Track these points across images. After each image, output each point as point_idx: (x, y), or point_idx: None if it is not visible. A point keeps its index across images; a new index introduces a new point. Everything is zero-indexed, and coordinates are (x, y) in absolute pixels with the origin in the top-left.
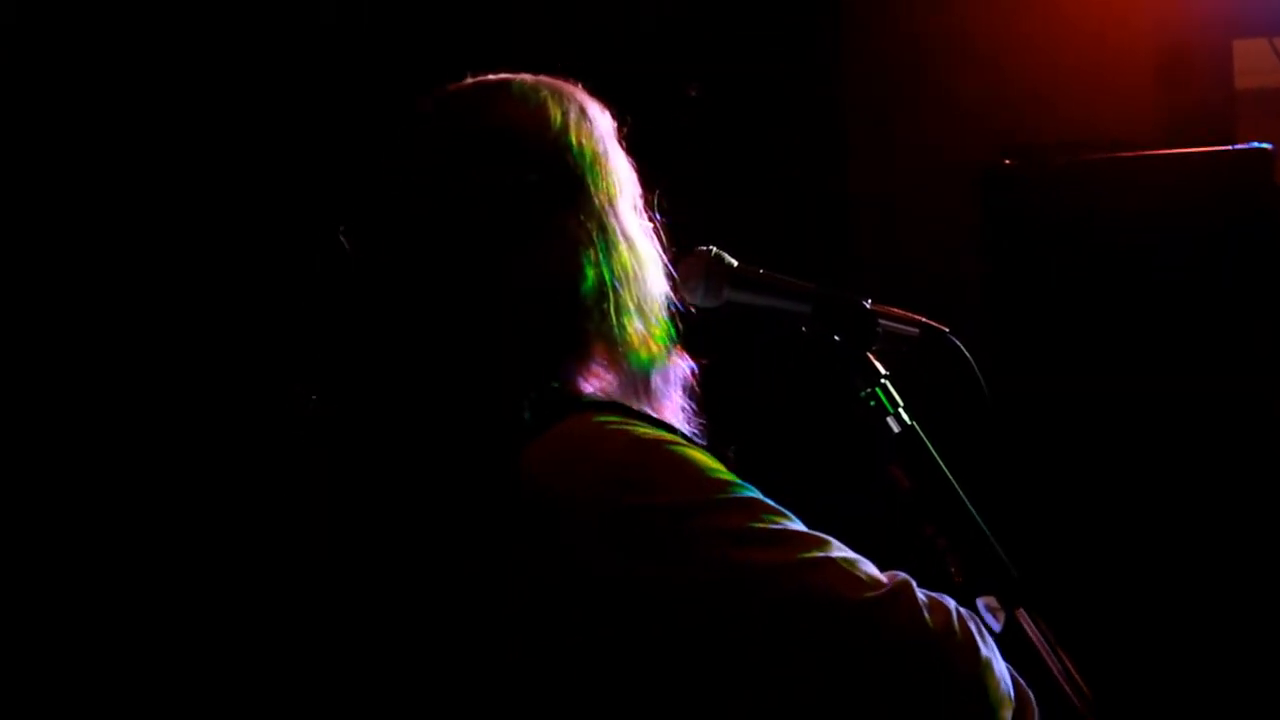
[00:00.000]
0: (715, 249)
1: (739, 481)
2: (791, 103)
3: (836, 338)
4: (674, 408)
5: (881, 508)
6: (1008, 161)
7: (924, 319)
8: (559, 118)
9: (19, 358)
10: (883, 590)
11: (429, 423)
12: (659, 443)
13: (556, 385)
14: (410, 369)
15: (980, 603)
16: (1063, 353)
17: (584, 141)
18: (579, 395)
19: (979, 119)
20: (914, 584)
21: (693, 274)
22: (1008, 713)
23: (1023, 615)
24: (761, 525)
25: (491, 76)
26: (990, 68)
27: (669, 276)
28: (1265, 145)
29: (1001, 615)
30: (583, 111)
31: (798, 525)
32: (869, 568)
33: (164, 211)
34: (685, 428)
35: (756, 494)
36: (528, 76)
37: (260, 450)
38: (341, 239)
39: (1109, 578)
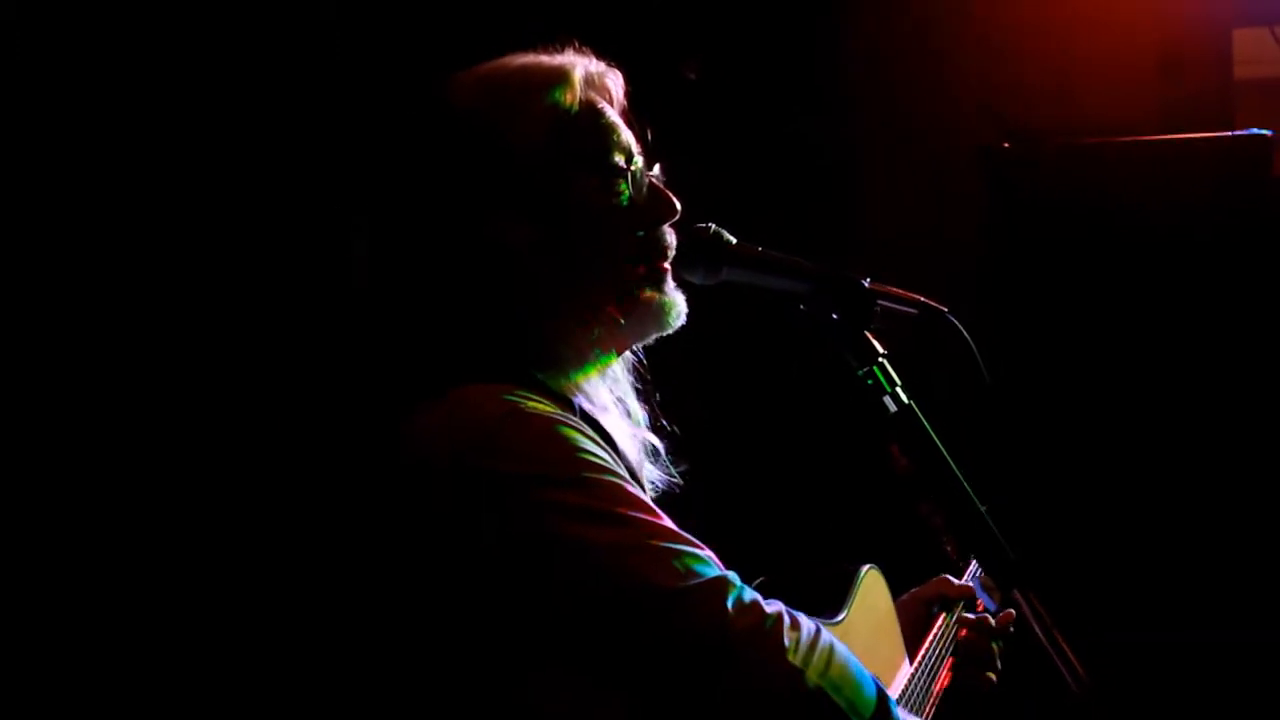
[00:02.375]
0: (714, 226)
1: (608, 467)
2: (793, 85)
3: (835, 316)
4: (613, 394)
5: (878, 486)
6: (1007, 144)
7: (923, 298)
8: (523, 115)
9: (19, 358)
10: (693, 581)
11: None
12: (540, 418)
13: (483, 358)
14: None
15: (976, 582)
16: (1059, 331)
17: (543, 137)
18: (508, 367)
19: (979, 101)
20: (733, 584)
21: (692, 252)
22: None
23: (1019, 595)
24: (602, 506)
25: (473, 69)
26: (991, 51)
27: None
28: (1264, 131)
29: (998, 595)
30: (554, 102)
31: (653, 518)
32: (700, 565)
33: (160, 209)
34: (620, 410)
35: (618, 483)
36: (509, 63)
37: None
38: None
39: (1106, 558)
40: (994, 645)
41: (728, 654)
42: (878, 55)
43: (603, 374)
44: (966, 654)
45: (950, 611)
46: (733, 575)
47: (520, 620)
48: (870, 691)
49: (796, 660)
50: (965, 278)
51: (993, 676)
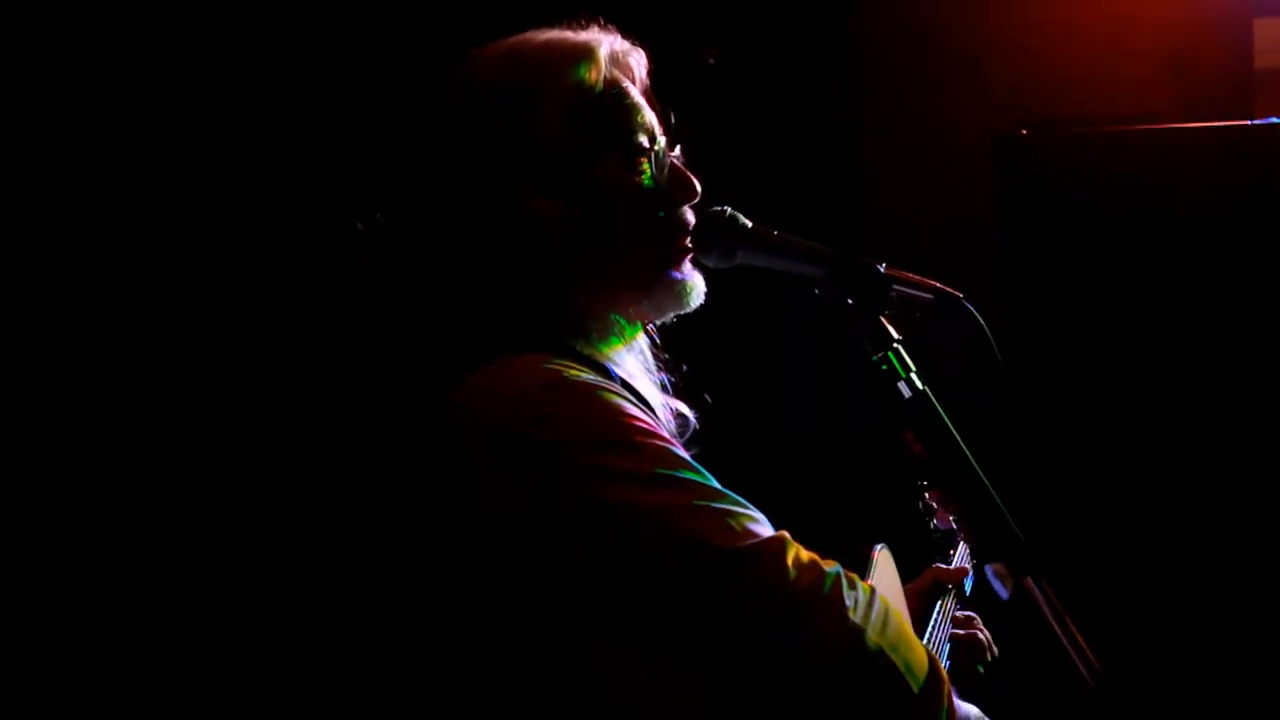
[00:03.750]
0: (730, 209)
1: (655, 431)
2: (807, 74)
3: (850, 301)
4: (642, 360)
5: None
6: (1022, 131)
7: (938, 284)
8: (547, 90)
9: (24, 358)
10: (750, 541)
11: (395, 363)
12: (584, 386)
13: (525, 329)
14: (392, 316)
15: (989, 570)
16: (1074, 320)
17: (567, 113)
18: (542, 338)
19: (995, 91)
20: (789, 543)
21: (707, 234)
22: (881, 679)
23: (1031, 583)
24: (654, 470)
25: (496, 44)
26: (1007, 40)
27: (684, 234)
28: None
29: (1010, 583)
30: (579, 79)
31: (703, 479)
32: (755, 525)
33: (161, 208)
34: (649, 379)
35: (667, 446)
36: (532, 39)
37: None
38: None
39: (1119, 547)
40: (985, 637)
41: (789, 612)
42: (892, 42)
43: (629, 346)
44: (961, 645)
45: (944, 596)
46: (788, 534)
47: (575, 587)
48: (922, 653)
49: (857, 618)
50: (980, 266)
51: (988, 657)
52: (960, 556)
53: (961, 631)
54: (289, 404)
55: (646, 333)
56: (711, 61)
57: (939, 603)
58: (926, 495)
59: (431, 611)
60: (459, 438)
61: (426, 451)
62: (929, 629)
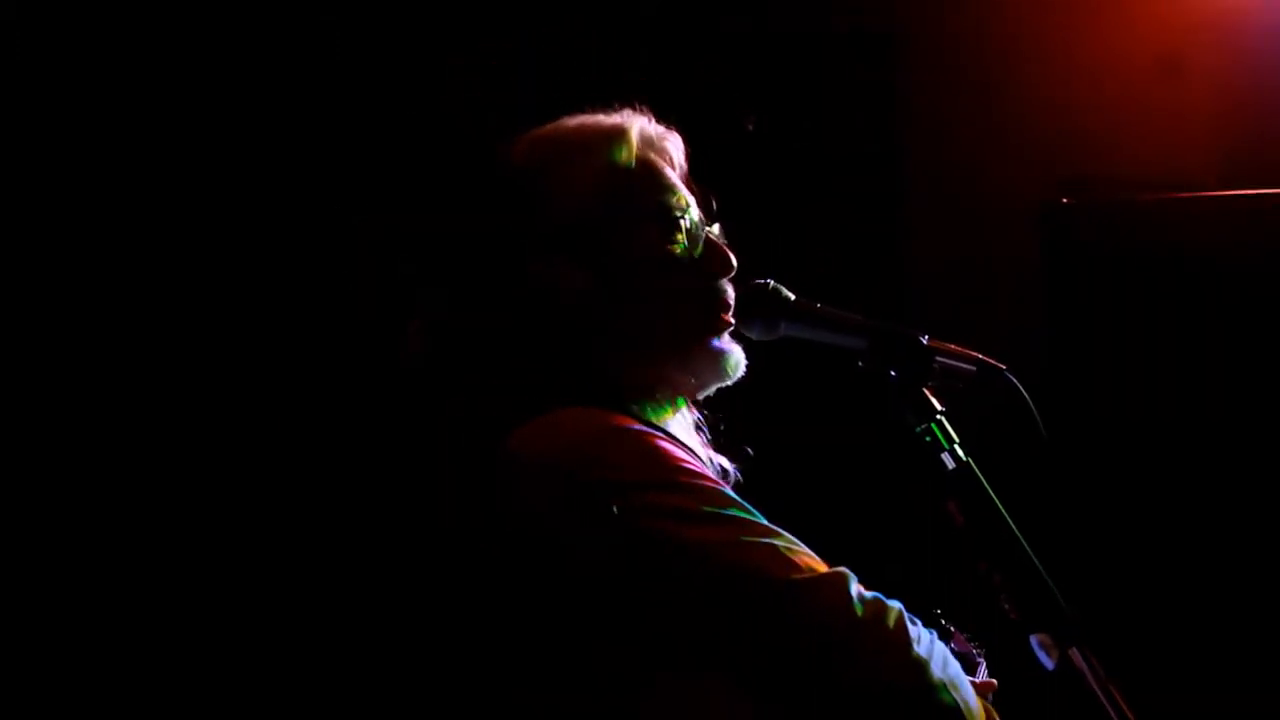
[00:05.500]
0: (773, 282)
1: (706, 474)
2: (851, 141)
3: (893, 373)
4: (689, 423)
5: (936, 544)
6: (1066, 200)
7: (981, 356)
8: (575, 169)
9: (31, 360)
10: (812, 575)
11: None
12: (635, 431)
13: (572, 387)
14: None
15: (1034, 641)
16: (1120, 391)
17: (595, 189)
18: (590, 393)
19: (1038, 157)
20: (852, 577)
21: (750, 307)
22: (944, 716)
23: (1076, 654)
24: (707, 508)
25: (538, 130)
26: (1050, 106)
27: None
28: None
29: (1056, 654)
30: (609, 157)
31: (754, 517)
32: (813, 561)
33: (164, 210)
34: (697, 441)
35: (718, 487)
36: (567, 123)
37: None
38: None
39: (1165, 617)
40: None
41: (853, 644)
42: (934, 109)
43: (675, 415)
44: None
45: None
46: (848, 570)
47: (634, 626)
48: (979, 699)
49: (921, 652)
50: (1023, 334)
51: None
52: (982, 671)
53: None
54: (355, 454)
55: (695, 406)
56: (750, 128)
57: None
58: (942, 621)
59: (497, 642)
60: (517, 480)
61: (486, 493)
62: None
